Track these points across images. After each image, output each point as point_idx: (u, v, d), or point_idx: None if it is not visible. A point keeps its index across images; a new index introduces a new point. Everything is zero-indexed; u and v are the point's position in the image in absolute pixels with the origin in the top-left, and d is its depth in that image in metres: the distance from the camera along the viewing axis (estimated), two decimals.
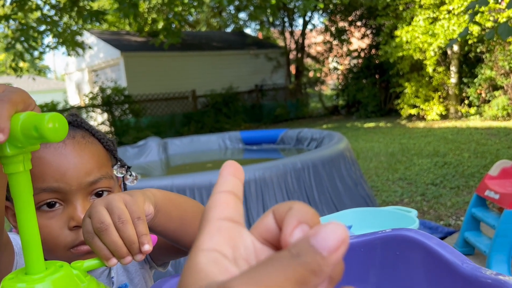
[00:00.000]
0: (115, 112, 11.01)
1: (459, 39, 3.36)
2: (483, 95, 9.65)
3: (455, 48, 9.72)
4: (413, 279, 0.59)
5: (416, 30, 9.38)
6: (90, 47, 11.54)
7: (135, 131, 10.44)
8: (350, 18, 13.54)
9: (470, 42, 8.99)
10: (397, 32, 9.81)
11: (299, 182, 3.08)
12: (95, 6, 12.18)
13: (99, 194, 0.73)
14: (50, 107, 10.09)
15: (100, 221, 0.52)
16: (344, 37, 13.77)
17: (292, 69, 15.51)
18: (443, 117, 10.30)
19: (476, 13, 3.21)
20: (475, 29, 8.10)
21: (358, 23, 13.62)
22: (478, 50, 9.46)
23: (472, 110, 9.77)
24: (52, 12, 9.82)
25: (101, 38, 13.76)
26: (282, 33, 15.20)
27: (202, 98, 12.80)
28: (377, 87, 12.56)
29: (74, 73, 16.46)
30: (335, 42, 14.10)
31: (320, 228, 0.22)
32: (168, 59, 13.16)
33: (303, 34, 14.50)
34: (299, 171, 3.10)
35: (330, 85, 17.66)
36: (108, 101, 10.84)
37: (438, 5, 9.35)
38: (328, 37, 14.22)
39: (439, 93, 10.31)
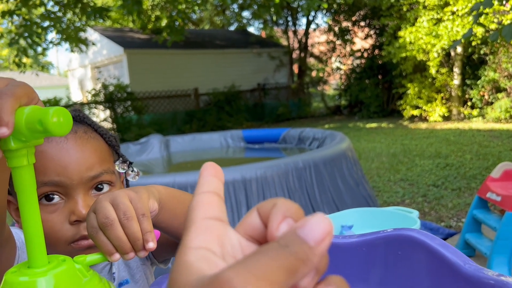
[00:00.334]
0: (118, 109, 11.02)
1: (463, 40, 3.35)
2: (486, 97, 9.63)
3: (459, 49, 9.70)
4: (415, 279, 0.59)
5: (420, 31, 9.36)
6: (93, 44, 11.55)
7: (137, 128, 10.46)
8: (353, 18, 13.52)
9: (473, 43, 8.97)
10: (401, 33, 9.79)
11: (301, 182, 3.08)
12: (98, 2, 12.21)
13: (99, 189, 0.73)
14: (53, 103, 10.10)
15: (105, 216, 0.52)
16: (347, 37, 13.75)
17: (295, 68, 15.50)
18: (446, 118, 10.28)
19: (480, 14, 3.20)
20: (479, 31, 8.08)
21: (362, 23, 13.60)
22: (481, 52, 9.44)
23: (475, 112, 9.75)
24: (56, 8, 9.83)
25: (105, 35, 13.77)
26: (285, 32, 15.19)
27: (205, 96, 12.80)
28: (379, 87, 12.54)
29: (77, 70, 16.48)
30: (338, 42, 14.08)
31: (306, 220, 0.23)
32: (171, 56, 13.16)
33: (306, 33, 14.48)
34: (300, 170, 3.10)
35: (333, 85, 17.64)
36: (110, 98, 10.86)
37: (442, 6, 9.32)
38: (331, 37, 14.20)
39: (442, 94, 10.29)
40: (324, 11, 14.06)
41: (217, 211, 0.26)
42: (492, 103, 9.53)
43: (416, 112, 10.47)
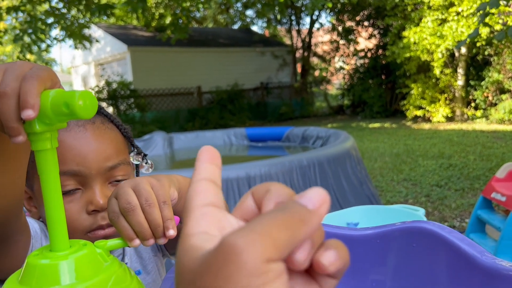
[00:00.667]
0: (121, 106, 11.05)
1: (468, 40, 3.35)
2: (490, 98, 9.61)
3: (463, 50, 9.68)
4: (431, 271, 0.59)
5: (424, 31, 9.35)
6: (97, 41, 11.56)
7: (140, 125, 10.47)
8: (357, 18, 13.51)
9: (478, 44, 8.95)
10: (405, 33, 9.78)
11: (305, 179, 3.08)
12: None
13: (115, 185, 0.73)
14: None
15: (127, 202, 0.53)
16: (351, 36, 13.73)
17: (298, 67, 15.49)
18: (449, 119, 10.26)
19: (486, 14, 3.19)
20: (484, 32, 8.06)
21: (366, 23, 13.58)
22: (486, 52, 9.41)
23: (479, 113, 9.73)
24: (60, 5, 9.85)
25: (108, 32, 13.78)
26: (289, 31, 15.17)
27: (208, 94, 12.81)
28: (383, 87, 12.52)
29: (80, 66, 16.50)
30: (342, 42, 14.07)
31: (303, 193, 0.24)
32: (175, 54, 13.16)
33: (310, 32, 14.47)
34: (304, 168, 3.10)
35: (336, 84, 17.62)
36: (113, 95, 10.88)
37: (447, 6, 9.30)
38: (335, 37, 14.19)
39: (446, 95, 10.27)
40: (328, 11, 14.04)
41: (213, 198, 0.27)
42: (496, 104, 9.51)
43: (419, 113, 10.45)
